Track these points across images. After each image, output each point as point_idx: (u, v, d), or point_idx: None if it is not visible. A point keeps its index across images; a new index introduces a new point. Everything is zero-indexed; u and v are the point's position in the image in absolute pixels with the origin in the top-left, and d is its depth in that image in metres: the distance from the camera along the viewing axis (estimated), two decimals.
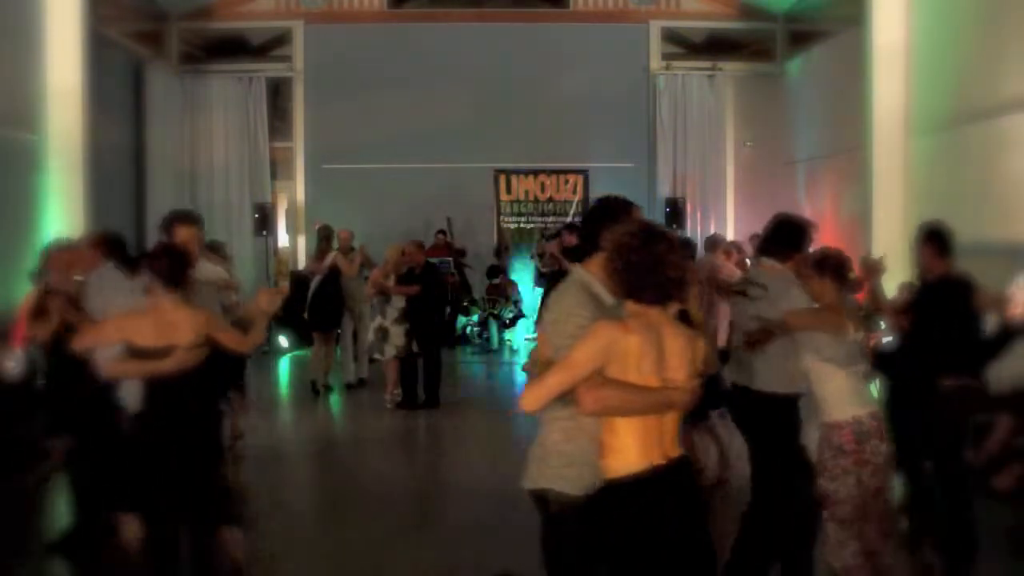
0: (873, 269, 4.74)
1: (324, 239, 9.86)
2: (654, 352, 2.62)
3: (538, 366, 2.84)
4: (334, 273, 9.32)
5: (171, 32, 12.76)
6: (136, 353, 3.69)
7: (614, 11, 13.20)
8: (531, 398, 2.65)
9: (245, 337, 4.01)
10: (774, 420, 3.98)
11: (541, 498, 2.91)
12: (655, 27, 13.18)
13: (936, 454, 4.56)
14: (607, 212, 3.05)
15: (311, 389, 9.26)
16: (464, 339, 12.74)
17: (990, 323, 4.96)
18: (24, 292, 7.93)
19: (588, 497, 2.77)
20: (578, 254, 3.35)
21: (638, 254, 2.64)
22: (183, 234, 4.23)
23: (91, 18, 9.11)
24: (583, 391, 2.60)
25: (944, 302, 4.51)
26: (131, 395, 4.03)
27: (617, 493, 2.67)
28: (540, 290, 11.20)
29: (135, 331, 3.70)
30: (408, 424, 8.27)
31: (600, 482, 2.73)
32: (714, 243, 9.11)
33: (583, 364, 2.60)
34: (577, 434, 2.79)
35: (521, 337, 12.75)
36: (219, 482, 3.89)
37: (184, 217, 4.40)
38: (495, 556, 4.61)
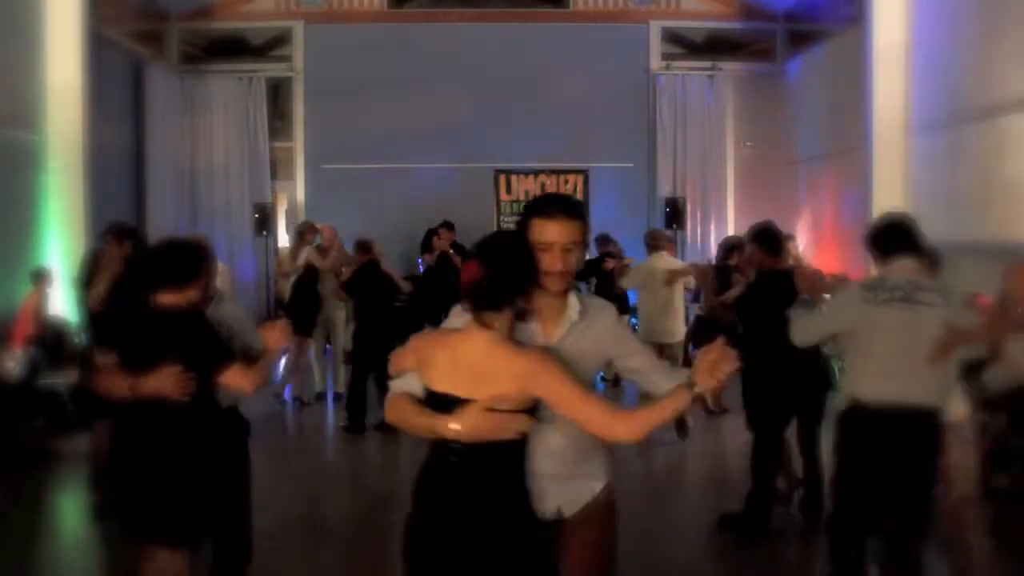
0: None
1: (299, 235, 9.49)
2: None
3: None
4: (310, 272, 8.98)
5: (171, 32, 12.77)
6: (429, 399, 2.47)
7: (614, 11, 13.20)
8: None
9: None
10: None
11: None
12: (655, 27, 13.18)
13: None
14: None
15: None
16: None
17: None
18: (24, 292, 7.97)
19: None
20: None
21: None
22: None
23: (91, 18, 9.11)
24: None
25: (770, 294, 5.00)
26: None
27: None
28: None
29: (433, 365, 2.46)
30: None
31: None
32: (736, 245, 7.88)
33: None
34: None
35: None
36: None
37: None
38: None
